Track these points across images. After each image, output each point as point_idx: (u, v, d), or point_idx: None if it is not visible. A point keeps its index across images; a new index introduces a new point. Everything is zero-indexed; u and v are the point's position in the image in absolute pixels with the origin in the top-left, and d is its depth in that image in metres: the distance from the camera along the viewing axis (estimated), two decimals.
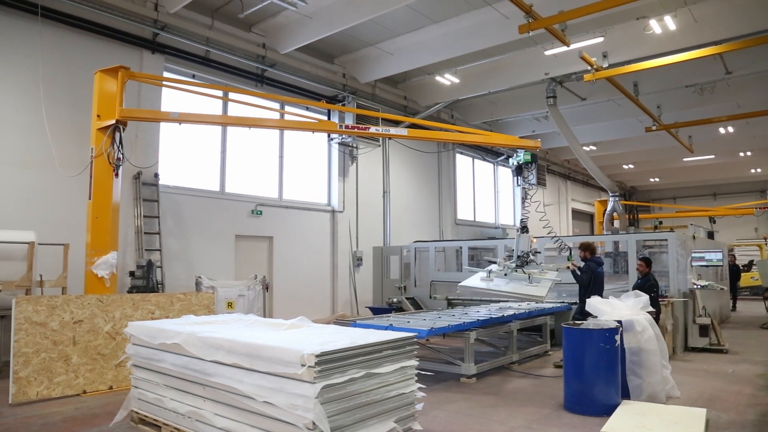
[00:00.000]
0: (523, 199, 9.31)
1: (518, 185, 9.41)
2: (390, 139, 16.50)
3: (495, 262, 9.19)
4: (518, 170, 9.37)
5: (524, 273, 8.68)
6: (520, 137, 13.94)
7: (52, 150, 9.31)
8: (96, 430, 5.55)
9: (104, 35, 10.56)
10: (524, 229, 8.94)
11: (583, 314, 8.18)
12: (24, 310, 6.62)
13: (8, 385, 6.50)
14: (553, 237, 9.81)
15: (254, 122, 9.77)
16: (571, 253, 9.15)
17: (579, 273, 8.69)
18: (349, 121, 14.63)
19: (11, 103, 9.47)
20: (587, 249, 8.92)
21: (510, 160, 9.58)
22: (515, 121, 20.76)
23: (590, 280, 8.65)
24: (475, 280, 8.74)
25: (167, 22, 11.33)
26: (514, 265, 8.81)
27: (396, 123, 16.55)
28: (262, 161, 13.72)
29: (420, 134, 10.84)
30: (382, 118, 14.42)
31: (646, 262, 9.16)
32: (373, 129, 9.96)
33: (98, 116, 8.30)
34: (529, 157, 9.19)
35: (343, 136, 14.76)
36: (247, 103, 11.09)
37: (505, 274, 8.75)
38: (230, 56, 12.41)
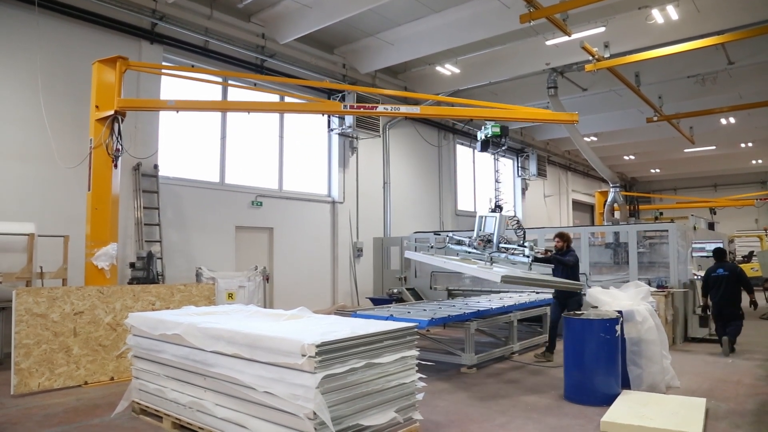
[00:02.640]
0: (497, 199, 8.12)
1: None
2: (390, 129, 16.48)
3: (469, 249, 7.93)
4: (484, 145, 8.28)
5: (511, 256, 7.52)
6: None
7: (50, 141, 9.26)
8: (98, 420, 5.57)
9: (102, 26, 10.49)
10: (499, 207, 7.87)
11: (564, 297, 8.32)
12: (24, 301, 6.63)
13: (10, 377, 6.52)
14: (512, 218, 8.38)
15: (254, 106, 9.65)
16: (525, 235, 7.94)
17: (560, 257, 8.33)
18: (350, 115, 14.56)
19: (9, 95, 9.42)
20: (567, 240, 8.62)
21: (478, 133, 8.53)
22: None
23: (576, 263, 8.45)
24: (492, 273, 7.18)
25: (166, 12, 11.25)
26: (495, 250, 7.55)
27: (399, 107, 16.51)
28: (262, 152, 13.67)
29: (433, 111, 9.99)
30: (382, 100, 14.28)
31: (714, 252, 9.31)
32: (381, 108, 9.03)
33: (97, 107, 8.27)
34: (498, 130, 8.15)
35: (344, 126, 14.69)
36: (247, 87, 10.92)
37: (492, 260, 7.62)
38: (229, 46, 12.33)
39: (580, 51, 12.33)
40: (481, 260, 7.51)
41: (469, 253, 7.71)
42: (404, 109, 8.71)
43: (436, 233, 8.61)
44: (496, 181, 8.38)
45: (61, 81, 9.86)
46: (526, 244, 7.29)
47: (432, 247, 8.07)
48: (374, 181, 16.19)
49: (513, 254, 7.30)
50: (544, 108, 19.01)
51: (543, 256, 8.10)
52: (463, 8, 12.34)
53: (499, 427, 5.35)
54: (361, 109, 9.42)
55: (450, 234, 7.94)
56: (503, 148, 8.40)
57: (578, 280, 8.40)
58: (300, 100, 12.84)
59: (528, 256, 7.13)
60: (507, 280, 6.62)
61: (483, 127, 8.36)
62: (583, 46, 12.02)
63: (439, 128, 18.78)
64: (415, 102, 17.07)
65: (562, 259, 8.33)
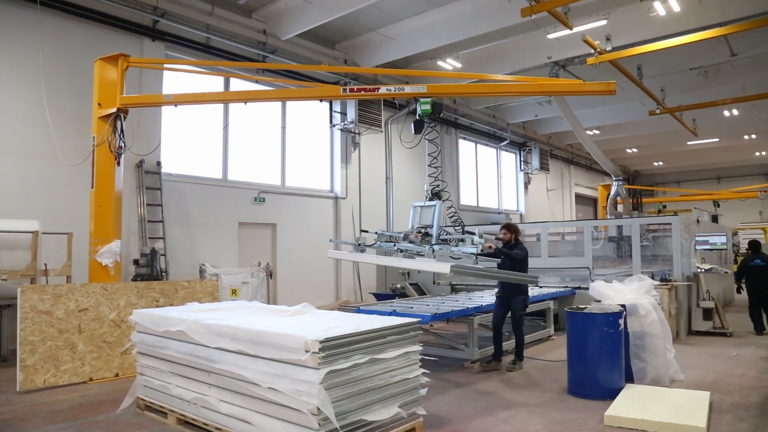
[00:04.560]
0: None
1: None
2: (392, 124, 16.45)
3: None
4: (418, 126, 7.28)
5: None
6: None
7: (54, 139, 9.29)
8: (103, 416, 5.60)
9: (104, 23, 10.49)
10: (438, 195, 6.84)
11: (509, 295, 7.54)
12: (29, 298, 6.66)
13: (15, 373, 6.55)
14: (449, 208, 7.48)
15: (252, 95, 9.41)
16: (463, 227, 6.99)
17: (508, 251, 7.48)
18: (352, 110, 14.55)
19: (12, 93, 9.44)
20: (515, 231, 7.74)
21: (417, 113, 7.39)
22: (518, 105, 20.66)
23: (526, 257, 7.65)
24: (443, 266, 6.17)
25: (167, 9, 11.24)
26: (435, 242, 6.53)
27: (399, 107, 16.49)
28: (265, 149, 13.69)
29: (443, 89, 9.01)
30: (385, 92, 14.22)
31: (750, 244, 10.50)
32: (383, 89, 7.94)
33: (99, 105, 8.28)
34: (428, 107, 7.10)
35: (346, 122, 14.70)
36: (249, 77, 10.80)
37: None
38: (231, 43, 12.32)
39: (581, 44, 12.29)
40: (421, 254, 6.58)
41: (402, 251, 6.73)
42: (409, 89, 7.74)
43: (363, 231, 7.40)
44: (429, 165, 7.03)
45: (63, 78, 9.88)
46: (474, 236, 6.42)
47: (359, 244, 7.17)
48: (377, 176, 16.18)
49: (457, 246, 6.48)
50: (545, 102, 19.05)
51: (489, 249, 7.16)
52: (465, 2, 12.31)
53: (503, 422, 5.36)
54: (362, 92, 8.29)
55: (378, 231, 7.07)
56: (435, 126, 7.36)
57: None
58: (303, 84, 12.81)
59: (475, 245, 6.29)
60: (457, 270, 6.01)
61: (417, 105, 7.30)
62: (584, 40, 11.98)
63: (442, 123, 18.75)
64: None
65: (509, 252, 7.44)
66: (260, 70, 12.88)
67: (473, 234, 6.38)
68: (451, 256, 6.62)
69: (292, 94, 9.04)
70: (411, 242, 6.59)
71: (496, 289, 7.96)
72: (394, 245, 6.84)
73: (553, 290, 10.48)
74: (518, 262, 7.48)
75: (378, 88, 7.77)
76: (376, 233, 7.04)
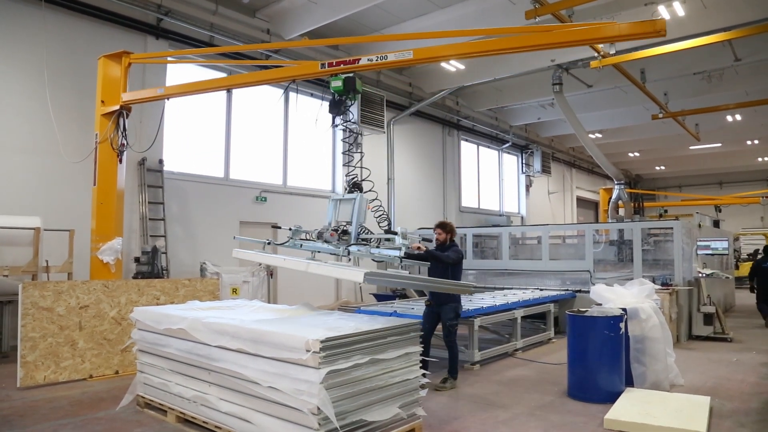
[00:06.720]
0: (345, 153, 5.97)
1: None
2: (394, 125, 16.45)
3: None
4: (334, 106, 6.55)
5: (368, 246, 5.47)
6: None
7: (56, 136, 9.30)
8: (102, 413, 5.60)
9: (108, 20, 10.50)
10: (358, 187, 5.97)
11: (439, 303, 6.83)
12: (30, 295, 6.67)
13: (16, 370, 6.55)
14: (373, 201, 6.17)
15: (235, 80, 9.24)
16: (390, 224, 6.30)
17: (438, 253, 6.73)
18: (355, 110, 14.52)
19: (16, 89, 9.45)
20: (451, 231, 7.03)
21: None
22: (521, 108, 20.66)
23: (459, 261, 6.84)
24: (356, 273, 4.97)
25: (171, 7, 11.25)
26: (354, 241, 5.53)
27: (402, 109, 16.50)
28: (267, 148, 13.69)
29: (433, 53, 7.54)
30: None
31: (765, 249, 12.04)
32: (365, 60, 6.91)
33: (102, 102, 8.30)
34: (339, 84, 6.23)
35: (348, 122, 14.67)
36: (253, 62, 10.62)
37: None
38: (235, 42, 12.33)
39: (585, 48, 12.28)
40: (336, 256, 5.75)
41: (317, 250, 5.81)
42: (393, 56, 6.79)
43: (275, 227, 6.34)
44: (344, 153, 6.19)
45: (67, 75, 9.89)
46: (398, 232, 5.43)
47: (269, 243, 6.22)
48: (378, 177, 16.16)
49: (378, 247, 5.53)
50: (548, 105, 19.05)
51: (417, 251, 6.27)
52: (469, 4, 12.31)
53: (502, 424, 5.36)
54: (341, 65, 7.14)
55: (293, 227, 5.99)
56: (350, 106, 6.50)
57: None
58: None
59: (399, 248, 5.24)
60: (371, 279, 4.87)
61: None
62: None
63: (444, 124, 18.76)
64: (420, 99, 17.09)
65: (439, 254, 6.64)
66: (263, 55, 12.89)
67: (395, 234, 5.43)
68: (372, 259, 5.76)
69: (270, 76, 8.34)
70: (326, 242, 5.62)
71: (426, 297, 7.16)
72: (306, 243, 5.96)
73: (554, 293, 10.48)
74: (450, 266, 6.68)
75: (358, 59, 6.79)
76: (290, 229, 5.94)
